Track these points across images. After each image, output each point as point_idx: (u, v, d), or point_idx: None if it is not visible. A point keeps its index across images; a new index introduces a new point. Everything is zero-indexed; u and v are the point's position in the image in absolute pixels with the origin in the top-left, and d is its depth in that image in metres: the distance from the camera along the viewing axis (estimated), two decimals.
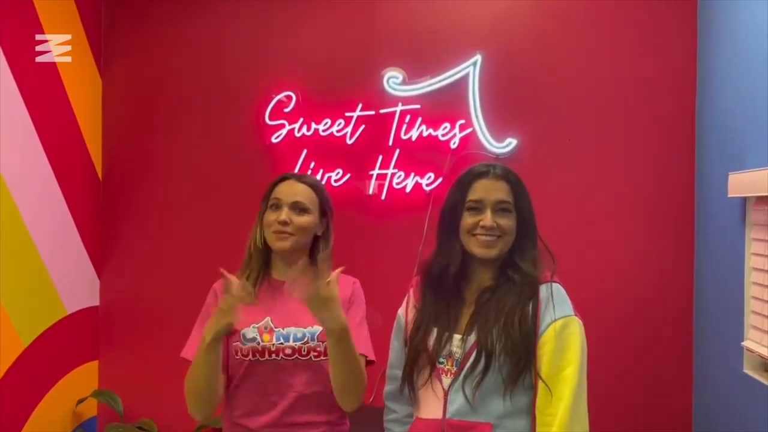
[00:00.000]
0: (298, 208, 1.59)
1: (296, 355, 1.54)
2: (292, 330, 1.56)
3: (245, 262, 1.64)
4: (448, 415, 1.38)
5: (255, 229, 1.65)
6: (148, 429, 2.77)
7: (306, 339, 1.55)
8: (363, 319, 1.65)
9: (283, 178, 1.65)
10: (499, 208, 1.42)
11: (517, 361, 1.33)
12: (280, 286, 1.62)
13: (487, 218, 1.40)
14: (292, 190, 1.61)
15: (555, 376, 1.33)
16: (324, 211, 1.65)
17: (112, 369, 2.89)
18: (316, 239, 1.65)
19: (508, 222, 1.41)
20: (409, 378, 1.46)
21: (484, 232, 1.40)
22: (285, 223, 1.56)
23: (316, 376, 1.56)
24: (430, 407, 1.42)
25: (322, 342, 1.54)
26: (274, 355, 1.54)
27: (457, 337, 1.41)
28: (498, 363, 1.34)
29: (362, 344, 1.56)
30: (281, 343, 1.54)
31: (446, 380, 1.40)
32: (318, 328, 1.55)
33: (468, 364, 1.36)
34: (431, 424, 1.40)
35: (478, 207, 1.43)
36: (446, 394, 1.39)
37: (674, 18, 2.41)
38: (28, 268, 2.45)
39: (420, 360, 1.43)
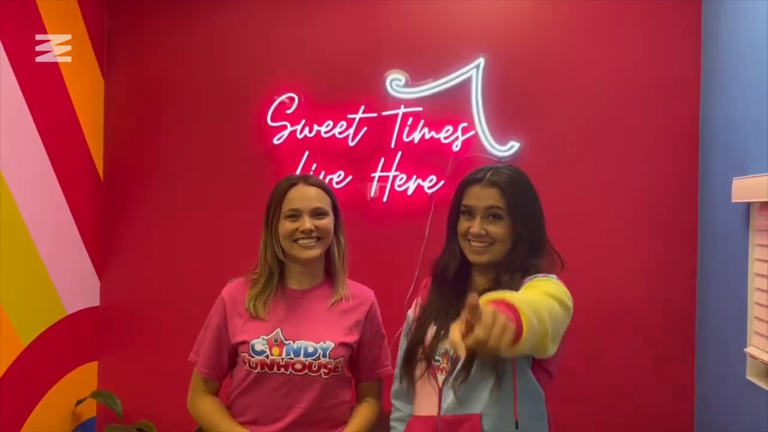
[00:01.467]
0: (318, 213, 1.57)
1: (306, 371, 1.53)
2: (303, 344, 1.54)
3: (262, 276, 1.60)
4: (442, 412, 1.40)
5: (269, 241, 1.60)
6: (147, 430, 2.76)
7: (318, 354, 1.53)
8: (383, 341, 1.69)
9: (291, 183, 1.60)
10: (490, 215, 1.42)
11: (494, 365, 1.34)
12: (296, 296, 1.61)
13: (475, 225, 1.42)
14: (306, 196, 1.57)
15: (529, 288, 1.29)
16: (335, 207, 1.64)
17: (112, 370, 2.89)
18: None
19: (497, 229, 1.41)
20: (408, 372, 1.49)
21: (473, 238, 1.42)
22: (311, 231, 1.54)
23: (324, 392, 1.55)
24: (426, 404, 1.44)
25: (334, 359, 1.54)
26: (283, 369, 1.52)
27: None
28: (480, 362, 1.35)
29: (384, 360, 1.68)
30: (291, 358, 1.52)
31: (441, 377, 1.42)
32: (330, 344, 1.54)
33: (460, 363, 1.38)
34: (426, 421, 1.42)
35: (470, 212, 1.44)
36: (440, 391, 1.41)
37: (678, 23, 2.40)
38: (28, 268, 2.44)
39: (417, 354, 1.46)
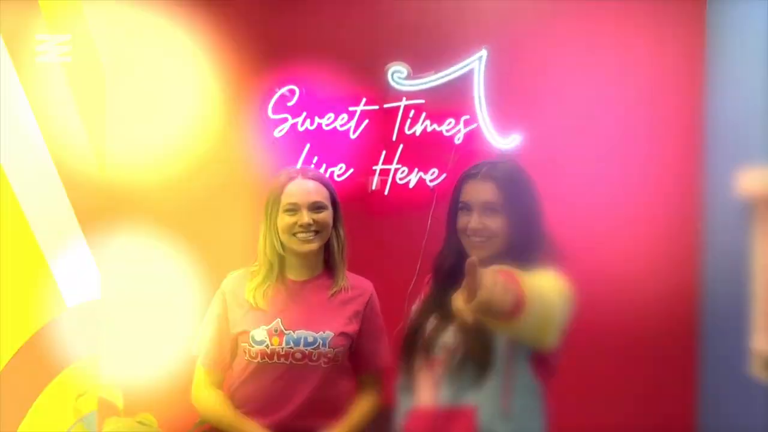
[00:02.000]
0: (316, 206, 1.58)
1: (306, 360, 1.54)
2: (303, 333, 1.55)
3: (262, 268, 1.62)
4: (438, 404, 1.39)
5: (268, 235, 1.61)
6: (148, 424, 2.75)
7: (317, 344, 1.54)
8: (381, 333, 1.69)
9: (289, 177, 1.61)
10: (487, 209, 1.41)
11: (482, 360, 1.33)
12: (296, 287, 1.62)
13: (473, 220, 1.41)
14: (305, 190, 1.58)
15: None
16: (333, 200, 1.64)
17: (113, 363, 2.88)
18: None
19: (494, 223, 1.41)
20: (408, 363, 1.48)
21: (473, 233, 1.42)
22: (309, 225, 1.55)
23: (325, 382, 1.56)
24: (425, 396, 1.44)
25: (333, 348, 1.55)
26: (283, 359, 1.54)
27: (452, 328, 1.43)
28: (475, 356, 1.34)
29: (383, 352, 1.68)
30: (291, 348, 1.54)
31: (439, 370, 1.42)
32: (330, 334, 1.56)
33: (458, 356, 1.38)
34: (424, 413, 1.42)
35: (467, 208, 1.44)
36: (438, 383, 1.41)
37: (683, 16, 2.38)
38: (28, 261, 2.44)
39: (416, 343, 1.46)
